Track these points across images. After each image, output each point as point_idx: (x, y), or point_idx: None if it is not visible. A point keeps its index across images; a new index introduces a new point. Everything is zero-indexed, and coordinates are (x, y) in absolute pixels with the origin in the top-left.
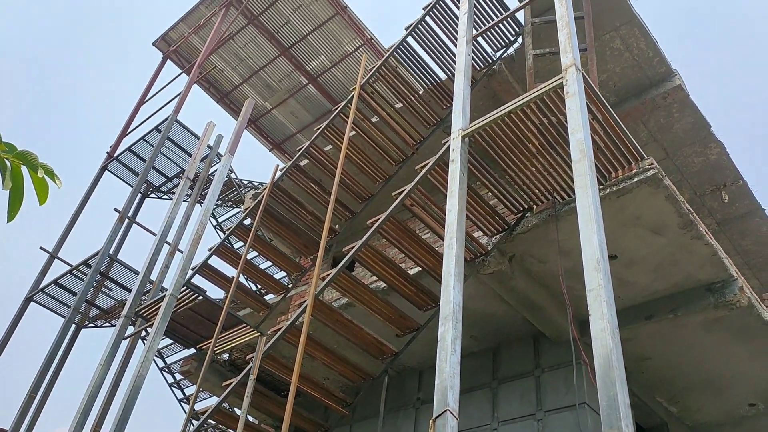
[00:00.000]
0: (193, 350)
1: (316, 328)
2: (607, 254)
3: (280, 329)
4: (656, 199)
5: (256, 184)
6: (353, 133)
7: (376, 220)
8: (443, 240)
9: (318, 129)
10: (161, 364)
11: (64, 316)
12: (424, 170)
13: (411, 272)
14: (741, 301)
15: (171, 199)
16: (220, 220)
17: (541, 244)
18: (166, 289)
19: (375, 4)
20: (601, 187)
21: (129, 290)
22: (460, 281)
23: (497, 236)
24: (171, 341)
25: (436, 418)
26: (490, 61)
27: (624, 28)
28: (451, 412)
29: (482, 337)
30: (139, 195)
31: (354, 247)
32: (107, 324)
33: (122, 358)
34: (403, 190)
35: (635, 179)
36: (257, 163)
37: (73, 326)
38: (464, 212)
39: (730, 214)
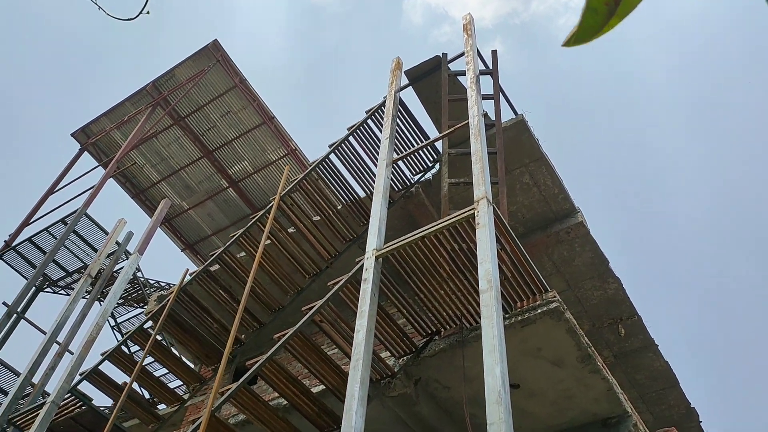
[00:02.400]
0: None
1: None
2: (508, 387)
3: None
4: (557, 332)
5: (163, 284)
6: (268, 242)
7: (284, 335)
8: (350, 358)
9: (233, 236)
10: None
11: None
12: (335, 287)
13: (315, 390)
14: None
15: (68, 295)
16: (119, 320)
17: (447, 369)
18: (48, 395)
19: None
20: (506, 315)
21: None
22: (364, 405)
23: (404, 358)
24: None
25: None
26: (408, 183)
27: (533, 165)
28: None
29: None
30: (34, 288)
31: (258, 361)
32: None
33: None
34: (314, 306)
35: (539, 310)
36: (166, 263)
37: None
38: (372, 333)
39: (625, 347)
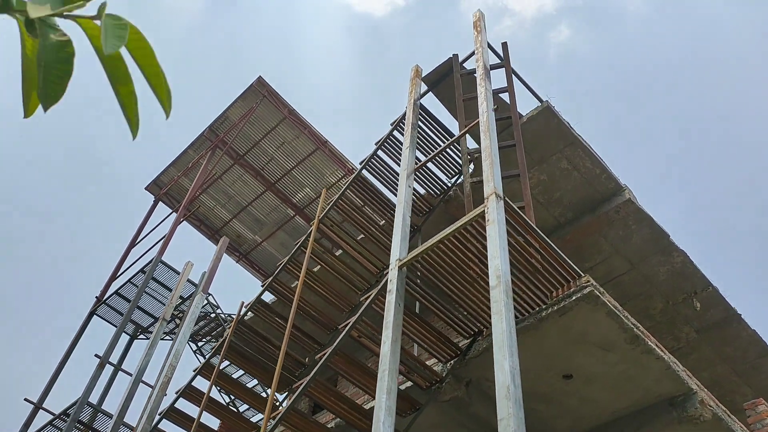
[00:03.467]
0: None
1: None
2: (519, 381)
3: None
4: (598, 316)
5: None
6: (318, 267)
7: (323, 354)
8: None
9: (279, 264)
10: None
11: None
12: (367, 301)
13: (367, 406)
14: (704, 415)
15: (163, 340)
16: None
17: (492, 368)
18: None
19: (359, 135)
20: (544, 306)
21: None
22: (392, 415)
23: (451, 362)
24: None
25: None
26: (446, 187)
27: (568, 150)
28: None
29: None
30: (128, 337)
31: (303, 383)
32: None
33: None
34: (348, 323)
35: (573, 297)
36: (249, 296)
37: None
38: (398, 343)
39: (707, 321)
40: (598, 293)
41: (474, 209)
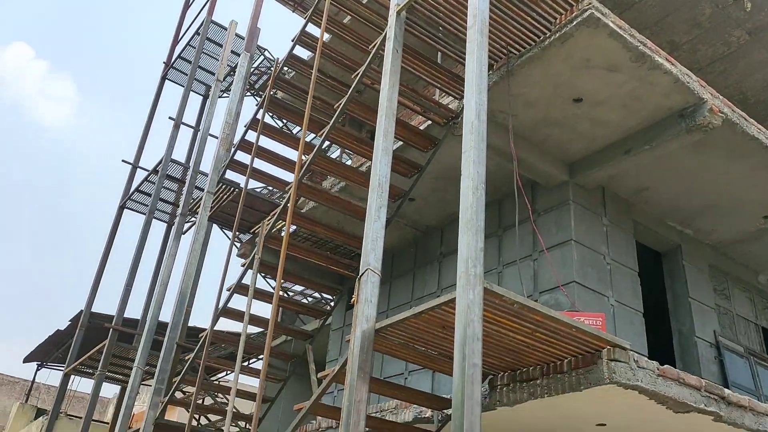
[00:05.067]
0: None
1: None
2: (484, 117)
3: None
4: (600, 38)
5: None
6: (348, 18)
7: (341, 104)
8: (416, 112)
9: (306, 16)
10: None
11: (162, 219)
12: (373, 50)
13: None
14: (713, 122)
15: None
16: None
17: (505, 99)
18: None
19: None
20: (547, 35)
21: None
22: (389, 155)
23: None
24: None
25: (360, 276)
26: None
27: None
28: (372, 270)
29: (486, 192)
30: (201, 98)
31: (325, 130)
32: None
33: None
34: (359, 72)
35: (574, 22)
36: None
37: (165, 225)
38: (396, 88)
39: (760, 21)
40: (599, 15)
41: None
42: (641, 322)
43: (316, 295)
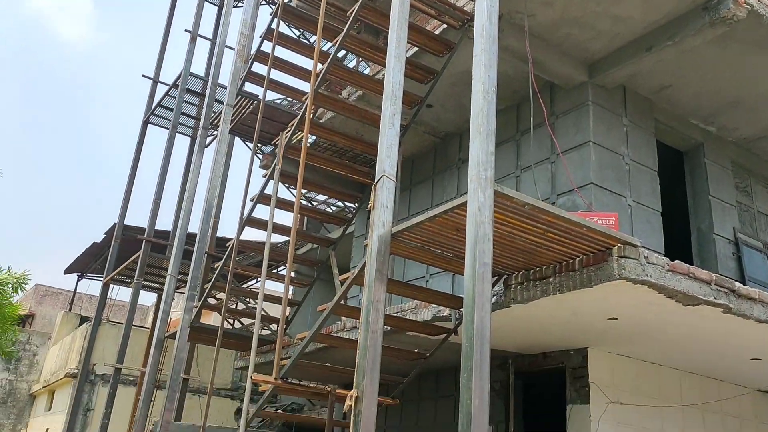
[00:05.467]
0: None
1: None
2: (496, 19)
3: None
4: None
5: None
6: None
7: (354, 10)
8: (431, 16)
9: None
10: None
11: (186, 134)
12: None
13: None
14: (738, 14)
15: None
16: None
17: None
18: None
19: None
20: None
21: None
22: (401, 62)
23: None
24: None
25: (376, 182)
26: None
27: None
28: (387, 177)
29: (504, 96)
30: (216, 7)
31: (339, 38)
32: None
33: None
34: None
35: None
36: None
37: (188, 139)
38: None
39: None
40: None
41: None
42: (659, 221)
43: (339, 204)
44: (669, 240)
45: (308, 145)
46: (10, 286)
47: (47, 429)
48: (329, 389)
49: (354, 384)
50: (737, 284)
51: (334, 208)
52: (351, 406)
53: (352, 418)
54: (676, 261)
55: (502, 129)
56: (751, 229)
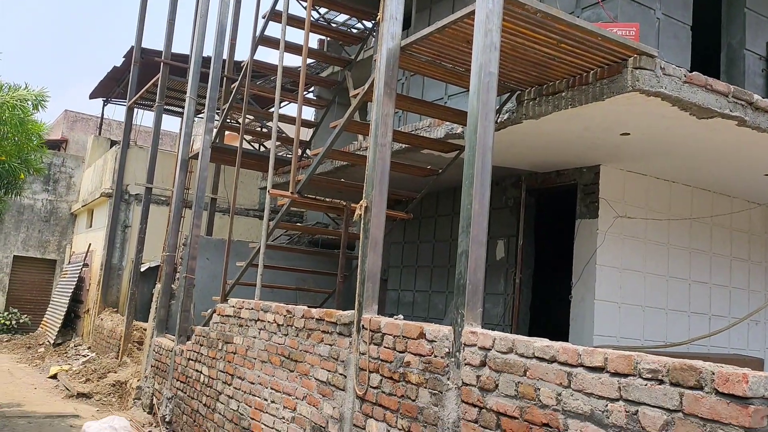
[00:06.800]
0: None
1: None
2: None
3: None
4: None
5: None
6: None
7: None
8: None
9: None
10: None
11: None
12: None
13: None
14: None
15: None
16: None
17: None
18: None
19: None
20: None
21: None
22: None
23: None
24: None
25: None
26: None
27: None
28: None
29: None
30: None
31: None
32: None
33: None
34: None
35: None
36: None
37: None
38: None
39: None
40: None
41: None
42: (688, 36)
43: (360, 26)
44: (696, 57)
45: None
46: (29, 103)
47: (90, 244)
48: (344, 203)
49: (363, 195)
50: (756, 96)
51: (354, 30)
52: (360, 215)
53: (362, 226)
54: (694, 72)
55: None
56: None
